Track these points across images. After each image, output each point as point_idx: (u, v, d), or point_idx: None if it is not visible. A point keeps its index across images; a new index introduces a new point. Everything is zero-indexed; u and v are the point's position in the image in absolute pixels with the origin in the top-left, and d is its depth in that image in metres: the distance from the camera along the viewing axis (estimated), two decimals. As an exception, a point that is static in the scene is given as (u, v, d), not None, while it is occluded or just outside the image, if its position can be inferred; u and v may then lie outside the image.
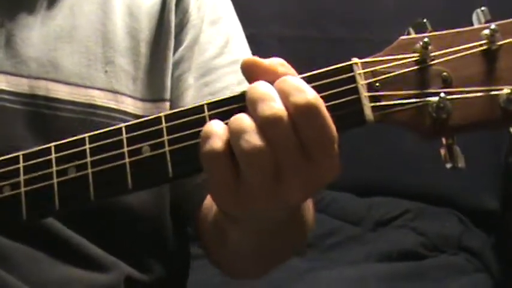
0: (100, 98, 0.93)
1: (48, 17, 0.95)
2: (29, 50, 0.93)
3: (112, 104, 0.94)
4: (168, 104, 0.97)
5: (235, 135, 0.65)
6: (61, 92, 0.92)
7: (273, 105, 0.65)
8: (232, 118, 0.66)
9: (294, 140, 0.65)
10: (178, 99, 0.97)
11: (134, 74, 0.96)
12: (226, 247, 0.86)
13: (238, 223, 0.76)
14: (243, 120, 0.66)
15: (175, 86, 0.98)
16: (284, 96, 0.65)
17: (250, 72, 0.69)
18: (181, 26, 1.00)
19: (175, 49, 0.99)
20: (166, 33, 0.98)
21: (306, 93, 0.65)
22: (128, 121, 0.92)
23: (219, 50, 1.01)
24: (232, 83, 0.98)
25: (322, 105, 0.65)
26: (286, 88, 0.66)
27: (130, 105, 0.95)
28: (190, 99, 0.96)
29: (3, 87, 0.91)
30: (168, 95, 0.97)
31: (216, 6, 1.04)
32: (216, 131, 0.66)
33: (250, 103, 0.66)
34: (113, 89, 0.95)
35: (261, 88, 0.66)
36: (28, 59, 0.92)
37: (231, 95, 0.70)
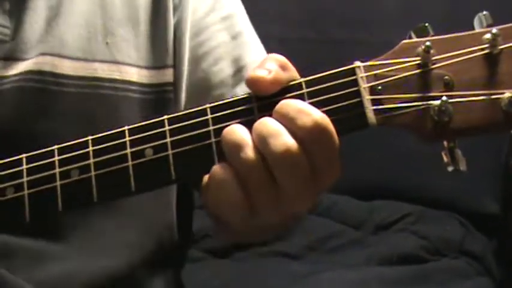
0: (103, 70, 0.93)
1: None
2: (36, 34, 0.93)
3: (116, 75, 0.94)
4: (171, 70, 0.97)
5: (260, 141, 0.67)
6: (66, 67, 0.92)
7: (284, 140, 0.66)
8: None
9: (305, 165, 0.67)
10: (179, 64, 0.97)
11: (136, 42, 0.96)
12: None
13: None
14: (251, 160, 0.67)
15: (177, 49, 0.98)
16: (291, 124, 0.67)
17: (256, 88, 0.70)
18: None
19: (173, 14, 0.98)
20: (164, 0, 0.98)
21: (312, 115, 0.66)
22: (134, 91, 0.92)
23: (209, 8, 1.00)
24: (225, 41, 0.99)
25: (330, 124, 0.67)
26: (292, 115, 0.67)
27: (134, 74, 0.95)
28: (188, 62, 0.97)
29: (14, 72, 0.90)
30: (171, 61, 0.97)
31: None
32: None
33: (258, 141, 0.68)
34: (115, 59, 0.94)
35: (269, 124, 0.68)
36: (35, 42, 0.92)
37: (234, 98, 0.71)
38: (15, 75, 0.90)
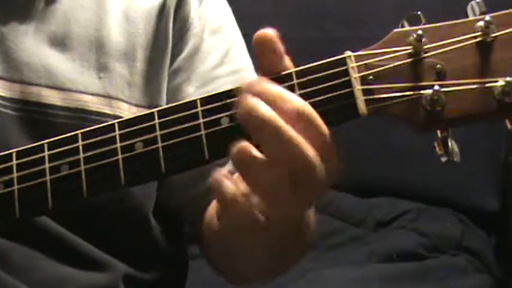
0: (93, 104, 0.93)
1: (42, 22, 0.94)
2: (22, 55, 0.92)
3: (106, 110, 0.93)
4: None
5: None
6: (54, 98, 0.91)
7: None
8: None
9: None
10: None
11: (130, 79, 0.96)
12: (233, 254, 0.85)
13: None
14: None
15: (173, 95, 0.97)
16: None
17: (265, 45, 0.68)
18: (181, 34, 0.99)
19: (174, 57, 0.98)
20: (163, 40, 0.98)
21: (294, 102, 0.65)
22: None
23: (219, 59, 1.00)
24: None
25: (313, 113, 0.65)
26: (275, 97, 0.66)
27: (125, 110, 0.94)
28: None
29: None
30: (163, 102, 0.97)
31: (218, 15, 1.03)
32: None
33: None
34: (107, 94, 0.94)
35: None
36: (21, 64, 0.92)
37: (224, 90, 0.70)
38: (0, 96, 0.90)
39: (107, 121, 0.90)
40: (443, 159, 0.67)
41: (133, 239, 0.95)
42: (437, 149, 0.67)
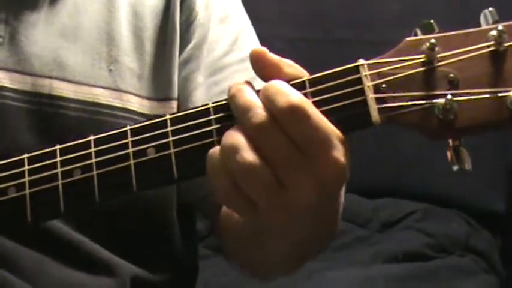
0: (104, 97, 0.93)
1: (52, 14, 0.95)
2: (33, 48, 0.93)
3: (116, 103, 0.94)
4: (175, 103, 0.96)
5: (228, 154, 0.65)
6: (65, 90, 0.92)
7: (258, 113, 0.65)
8: (224, 136, 0.66)
9: (286, 143, 0.64)
10: (187, 99, 0.96)
11: (139, 72, 0.96)
12: (258, 248, 0.84)
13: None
14: (234, 137, 0.65)
15: (183, 86, 0.97)
16: (268, 101, 0.65)
17: (257, 63, 0.68)
18: (188, 24, 0.99)
19: (182, 48, 0.98)
20: (171, 32, 0.98)
21: (289, 96, 0.64)
22: (133, 119, 0.91)
23: (227, 47, 1.00)
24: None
25: (307, 106, 0.64)
26: (270, 93, 0.65)
27: (136, 103, 0.95)
28: (200, 98, 0.95)
29: (7, 85, 0.91)
30: (175, 94, 0.97)
31: (225, 4, 1.03)
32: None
33: (237, 113, 0.67)
34: (118, 87, 0.94)
35: (245, 96, 0.66)
36: (32, 57, 0.92)
37: None
38: (9, 89, 0.90)
39: (117, 114, 0.91)
40: (455, 167, 0.67)
41: (149, 240, 0.95)
42: (449, 157, 0.68)
